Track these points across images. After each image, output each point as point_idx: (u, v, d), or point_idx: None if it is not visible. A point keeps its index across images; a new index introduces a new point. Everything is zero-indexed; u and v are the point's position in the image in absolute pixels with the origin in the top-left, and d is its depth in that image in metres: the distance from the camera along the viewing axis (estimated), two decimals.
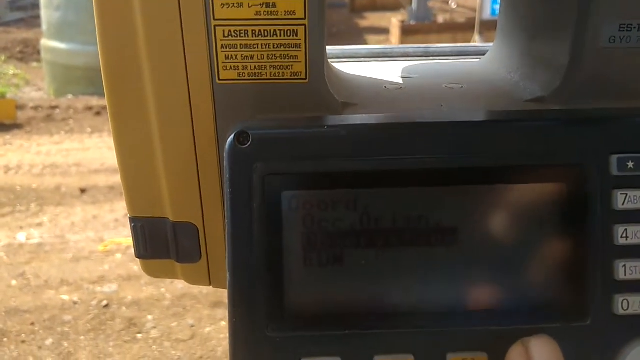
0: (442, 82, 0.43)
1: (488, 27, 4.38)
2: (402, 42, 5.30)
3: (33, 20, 6.53)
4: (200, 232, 0.39)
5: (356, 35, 6.45)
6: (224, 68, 0.35)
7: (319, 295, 0.33)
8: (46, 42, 4.72)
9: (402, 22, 5.64)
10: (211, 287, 0.42)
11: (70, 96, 4.37)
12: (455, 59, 0.53)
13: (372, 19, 7.49)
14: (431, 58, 0.53)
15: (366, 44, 6.21)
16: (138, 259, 0.41)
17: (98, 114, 3.96)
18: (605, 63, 0.36)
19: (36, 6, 5.48)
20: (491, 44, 0.50)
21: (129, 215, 0.40)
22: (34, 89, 4.91)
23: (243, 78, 0.35)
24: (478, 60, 0.51)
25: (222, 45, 0.34)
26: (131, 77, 0.35)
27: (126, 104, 0.36)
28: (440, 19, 5.78)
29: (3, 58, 5.14)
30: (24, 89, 4.76)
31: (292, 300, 0.32)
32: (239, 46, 0.34)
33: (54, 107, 4.06)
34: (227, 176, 0.32)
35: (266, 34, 0.34)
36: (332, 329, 0.32)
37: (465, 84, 0.43)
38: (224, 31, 0.34)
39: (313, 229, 0.32)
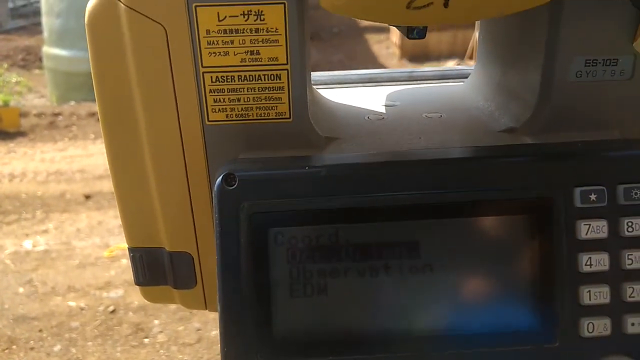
0: (422, 110, 0.45)
1: None
2: (402, 41, 5.29)
3: (34, 28, 6.55)
4: (195, 261, 0.41)
5: (356, 35, 6.45)
6: (213, 110, 0.37)
7: (305, 324, 0.35)
8: (48, 49, 4.74)
9: None
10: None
11: (72, 103, 4.39)
12: (438, 83, 0.55)
13: None
14: (415, 82, 0.55)
15: (367, 43, 6.20)
16: (138, 286, 0.44)
17: None
18: (573, 96, 0.38)
19: (37, 13, 5.51)
20: (473, 67, 0.52)
21: (127, 246, 0.42)
22: (36, 96, 4.94)
23: (231, 119, 0.37)
24: (460, 84, 0.53)
25: (210, 89, 0.37)
26: (126, 120, 0.38)
27: (122, 145, 0.39)
28: None
29: (5, 66, 5.17)
30: (26, 96, 4.78)
31: (279, 329, 0.35)
32: (226, 90, 0.37)
33: (57, 114, 4.08)
34: (217, 215, 0.34)
35: (251, 79, 0.36)
36: (318, 356, 0.35)
37: (444, 112, 0.45)
38: (211, 77, 0.36)
39: (298, 262, 0.35)
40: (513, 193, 0.34)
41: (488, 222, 0.35)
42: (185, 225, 0.40)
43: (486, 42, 0.48)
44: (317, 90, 0.48)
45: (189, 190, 0.39)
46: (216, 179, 0.34)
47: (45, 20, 4.76)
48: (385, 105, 0.47)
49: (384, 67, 5.04)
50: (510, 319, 0.35)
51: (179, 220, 0.40)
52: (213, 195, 0.35)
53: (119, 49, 0.36)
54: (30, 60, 5.90)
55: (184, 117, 0.37)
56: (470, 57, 4.50)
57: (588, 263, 0.34)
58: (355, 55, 5.68)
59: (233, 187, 0.34)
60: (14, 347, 1.94)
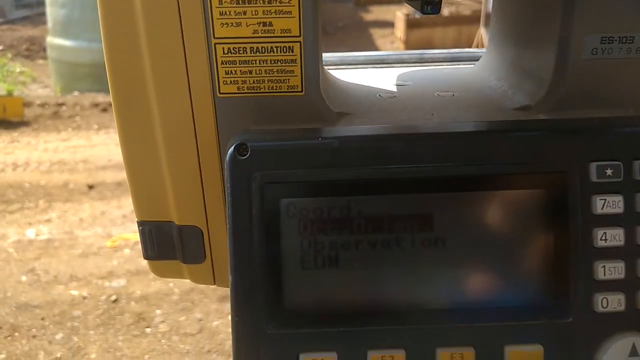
0: (434, 89, 0.45)
1: None
2: (407, 36, 5.28)
3: (38, 18, 6.55)
4: (204, 235, 0.41)
5: (361, 29, 6.44)
6: (224, 82, 0.37)
7: (316, 294, 0.35)
8: (52, 40, 4.75)
9: (407, 15, 5.61)
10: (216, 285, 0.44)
11: (76, 93, 4.39)
12: (449, 65, 0.54)
13: (377, 13, 7.47)
14: (426, 64, 0.55)
15: (371, 37, 6.19)
16: (146, 260, 0.43)
17: (104, 110, 3.98)
18: (588, 74, 0.37)
19: (41, 3, 5.51)
20: (484, 50, 0.52)
21: (136, 219, 0.42)
22: (40, 86, 4.94)
23: (242, 91, 0.37)
24: (471, 66, 0.53)
25: (222, 61, 0.36)
26: (137, 92, 0.38)
27: (133, 117, 0.38)
28: (446, 11, 5.75)
29: (9, 56, 5.17)
30: (30, 86, 4.78)
31: (290, 299, 0.35)
32: (238, 62, 0.36)
33: (60, 104, 4.09)
34: (228, 185, 0.34)
35: (263, 51, 0.36)
36: (328, 327, 0.35)
37: (456, 91, 0.44)
38: (223, 48, 0.36)
39: (309, 233, 0.35)
40: (529, 167, 0.34)
41: (502, 196, 0.35)
42: (195, 198, 0.40)
43: (499, 22, 0.47)
44: (327, 70, 0.48)
45: (199, 164, 0.39)
46: (228, 149, 0.34)
47: (49, 10, 4.76)
48: (397, 85, 0.47)
49: None
50: (523, 294, 0.35)
51: (189, 194, 0.40)
52: (225, 165, 0.34)
53: (131, 20, 0.36)
54: (34, 50, 5.90)
55: (195, 89, 0.37)
56: None
57: (603, 238, 0.34)
58: (359, 49, 5.67)
59: (245, 157, 0.34)
60: (17, 334, 1.95)
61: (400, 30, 5.63)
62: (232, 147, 0.34)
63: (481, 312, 0.35)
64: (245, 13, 0.35)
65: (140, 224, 0.42)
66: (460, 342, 0.35)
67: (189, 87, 0.37)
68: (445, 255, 0.35)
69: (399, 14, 5.81)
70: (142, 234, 0.42)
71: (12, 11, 7.15)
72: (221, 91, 0.37)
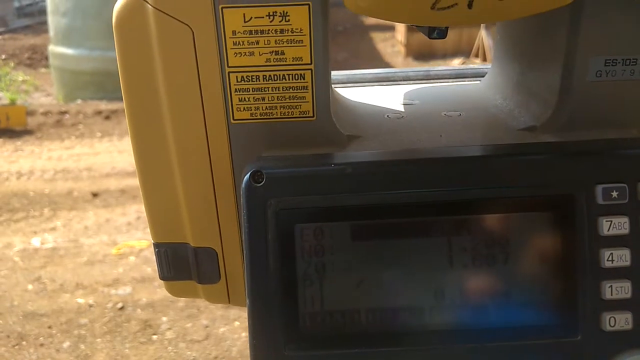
0: (441, 109, 0.46)
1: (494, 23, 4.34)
2: (407, 39, 5.29)
3: (40, 27, 6.57)
4: (219, 256, 0.42)
5: (361, 33, 6.45)
6: (238, 109, 0.38)
7: (332, 317, 0.36)
8: (54, 48, 4.76)
9: None
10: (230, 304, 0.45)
11: (79, 101, 4.40)
12: (455, 82, 0.55)
13: None
14: (432, 81, 0.55)
15: (372, 41, 6.19)
16: (162, 281, 0.44)
17: (107, 118, 4.00)
18: (593, 95, 0.38)
19: (43, 12, 5.53)
20: (489, 66, 0.53)
21: (152, 241, 0.43)
22: (43, 94, 4.96)
23: (255, 118, 0.38)
24: (476, 83, 0.54)
25: (235, 89, 0.37)
26: (153, 119, 0.39)
27: (149, 143, 0.40)
28: None
29: (12, 64, 5.19)
30: (33, 94, 4.79)
31: (307, 322, 0.36)
32: (251, 89, 0.37)
33: (63, 113, 4.10)
34: (244, 211, 0.35)
35: (276, 79, 0.37)
36: (344, 348, 0.36)
37: (463, 111, 0.45)
38: (237, 77, 0.37)
39: (324, 257, 0.36)
40: (536, 190, 0.35)
41: (511, 218, 0.35)
42: (209, 221, 0.41)
43: (504, 42, 0.48)
44: (335, 88, 0.49)
45: (214, 187, 0.40)
46: (243, 177, 0.35)
47: (51, 19, 4.77)
48: (404, 104, 0.48)
49: (389, 66, 5.03)
50: (532, 313, 0.36)
51: (204, 217, 0.41)
52: (240, 192, 0.35)
53: (146, 49, 0.37)
54: (36, 59, 5.92)
55: (210, 115, 0.38)
56: (476, 55, 4.49)
57: (610, 259, 0.35)
58: (360, 54, 5.68)
59: (260, 184, 0.35)
60: (24, 343, 1.96)
61: (400, 34, 5.64)
62: (248, 175, 0.35)
63: (494, 332, 0.36)
64: (258, 43, 0.36)
65: (157, 245, 0.43)
66: None
67: (203, 114, 0.38)
68: (457, 276, 0.36)
69: None
70: (158, 255, 0.43)
71: (13, 20, 7.18)
72: (235, 118, 0.38)
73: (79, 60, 4.50)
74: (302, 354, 0.36)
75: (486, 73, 0.53)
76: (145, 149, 0.40)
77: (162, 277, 0.44)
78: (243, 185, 0.35)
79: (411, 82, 0.55)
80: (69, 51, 4.58)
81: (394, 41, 6.04)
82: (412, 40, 5.30)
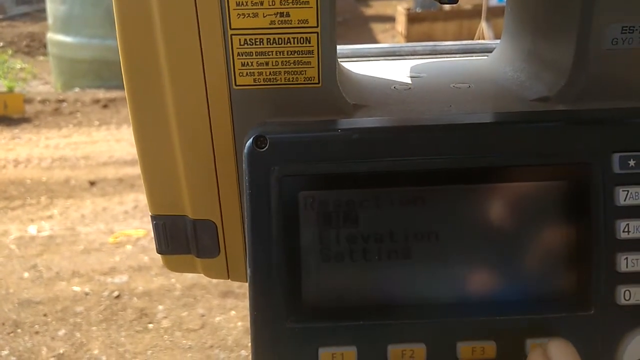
0: (449, 81, 0.44)
1: (495, 14, 4.33)
2: (408, 30, 5.27)
3: (39, 14, 6.54)
4: (218, 229, 0.41)
5: (362, 24, 6.43)
6: (240, 74, 0.36)
7: (335, 288, 0.35)
8: (52, 36, 4.74)
9: (408, 9, 5.60)
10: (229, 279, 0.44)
11: (77, 89, 4.39)
12: (463, 57, 0.54)
13: (377, 7, 7.45)
14: (439, 56, 0.54)
15: (372, 32, 6.18)
16: (159, 255, 0.43)
17: (105, 106, 3.98)
18: (608, 64, 0.37)
19: (41, 0, 5.50)
20: (498, 41, 0.51)
21: (150, 213, 0.42)
22: (41, 82, 4.94)
23: (258, 83, 0.37)
24: (485, 57, 0.52)
25: (238, 53, 0.36)
26: (152, 85, 0.37)
27: (147, 109, 0.38)
28: (447, 6, 5.74)
29: (10, 52, 5.16)
30: (31, 82, 4.78)
31: (309, 293, 0.34)
32: (254, 54, 0.36)
33: (61, 101, 4.08)
34: (246, 177, 0.34)
35: (280, 42, 0.36)
36: (348, 321, 0.34)
37: (472, 83, 0.44)
38: (240, 40, 0.35)
39: (328, 226, 0.34)
40: (550, 159, 0.34)
41: (524, 188, 0.34)
42: (209, 192, 0.40)
43: (515, 12, 0.47)
44: (340, 62, 0.47)
45: (214, 157, 0.39)
46: (246, 142, 0.34)
47: (49, 6, 4.75)
48: (411, 77, 0.47)
49: None
50: (545, 287, 0.35)
51: (203, 187, 0.39)
52: (243, 158, 0.34)
53: (147, 11, 0.35)
54: (34, 46, 5.89)
55: (211, 81, 0.37)
56: None
57: (626, 230, 0.34)
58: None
59: (263, 149, 0.33)
60: (19, 330, 1.95)
61: (401, 24, 5.62)
62: (251, 140, 0.34)
63: (502, 306, 0.34)
64: (262, 3, 0.35)
65: (154, 218, 0.41)
66: (482, 336, 0.34)
67: (204, 79, 0.37)
68: (467, 247, 0.34)
69: (400, 9, 5.80)
70: (156, 228, 0.41)
71: (12, 7, 7.14)
72: (237, 83, 0.37)
73: (77, 49, 4.48)
74: (304, 326, 0.34)
75: (494, 48, 0.52)
76: (143, 116, 0.38)
77: (160, 251, 0.42)
78: (245, 150, 0.34)
79: (418, 56, 0.54)
80: (67, 39, 4.56)
81: (394, 32, 6.03)
82: (412, 30, 5.28)
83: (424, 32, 5.16)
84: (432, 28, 5.27)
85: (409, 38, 5.32)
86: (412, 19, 5.41)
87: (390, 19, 6.25)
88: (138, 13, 0.35)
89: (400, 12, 5.73)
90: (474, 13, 5.01)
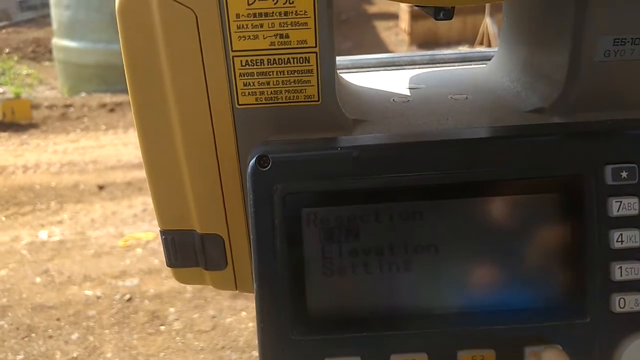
0: (447, 92, 0.45)
1: (499, 9, 4.31)
2: (411, 28, 5.25)
3: (43, 20, 6.57)
4: (225, 242, 0.42)
5: (365, 22, 6.41)
6: (243, 94, 0.38)
7: (339, 300, 0.36)
8: (57, 41, 4.76)
9: (411, 7, 5.57)
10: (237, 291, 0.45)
11: (83, 94, 4.41)
12: (461, 65, 0.55)
13: (380, 5, 7.43)
14: (437, 65, 0.55)
15: (375, 29, 6.16)
16: (169, 268, 0.44)
17: (112, 110, 4.00)
18: (601, 76, 0.38)
19: (46, 5, 5.52)
20: (495, 49, 0.52)
21: (159, 228, 0.43)
22: (47, 87, 4.96)
23: (260, 102, 0.38)
24: (483, 66, 0.53)
25: (240, 73, 0.37)
26: (158, 104, 0.38)
27: (154, 130, 0.39)
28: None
29: (16, 58, 5.19)
30: (37, 88, 4.80)
31: (314, 305, 0.36)
32: (255, 74, 0.37)
33: (68, 106, 4.10)
34: (251, 196, 0.35)
35: (280, 62, 0.37)
36: (352, 332, 0.36)
37: (469, 94, 0.45)
38: (241, 61, 0.37)
39: (330, 241, 0.35)
40: (545, 171, 0.35)
41: (520, 200, 0.35)
42: (215, 207, 0.41)
43: (510, 23, 0.48)
44: (340, 74, 0.48)
45: (220, 173, 0.40)
46: (249, 161, 0.35)
47: (54, 12, 4.77)
48: (410, 88, 0.48)
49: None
50: (542, 296, 0.36)
51: (210, 203, 0.41)
52: (247, 177, 0.35)
53: (150, 35, 0.36)
54: (40, 52, 5.92)
55: (215, 101, 0.38)
56: (481, 43, 4.46)
57: (619, 240, 0.35)
58: (364, 43, 5.65)
59: (266, 168, 0.35)
60: (33, 335, 1.97)
61: (404, 22, 5.60)
62: (254, 159, 0.35)
63: (501, 315, 0.35)
64: (262, 26, 0.36)
65: (163, 233, 0.43)
66: (481, 345, 0.35)
67: (208, 99, 0.38)
68: (465, 259, 0.36)
69: (403, 6, 5.76)
70: (165, 242, 0.43)
71: (17, 13, 7.17)
72: (240, 102, 0.38)
73: (82, 53, 4.50)
74: (309, 337, 0.36)
75: (492, 57, 0.52)
76: (150, 136, 0.40)
77: (169, 264, 0.44)
78: (249, 170, 0.35)
79: (416, 66, 0.55)
80: (72, 44, 4.58)
81: (397, 29, 6.01)
82: (415, 28, 5.27)
83: (428, 29, 5.15)
84: (435, 25, 5.25)
85: (412, 35, 5.30)
86: (416, 16, 5.38)
87: (394, 17, 6.23)
88: (143, 41, 0.37)
89: (403, 10, 5.71)
90: (478, 9, 4.98)
